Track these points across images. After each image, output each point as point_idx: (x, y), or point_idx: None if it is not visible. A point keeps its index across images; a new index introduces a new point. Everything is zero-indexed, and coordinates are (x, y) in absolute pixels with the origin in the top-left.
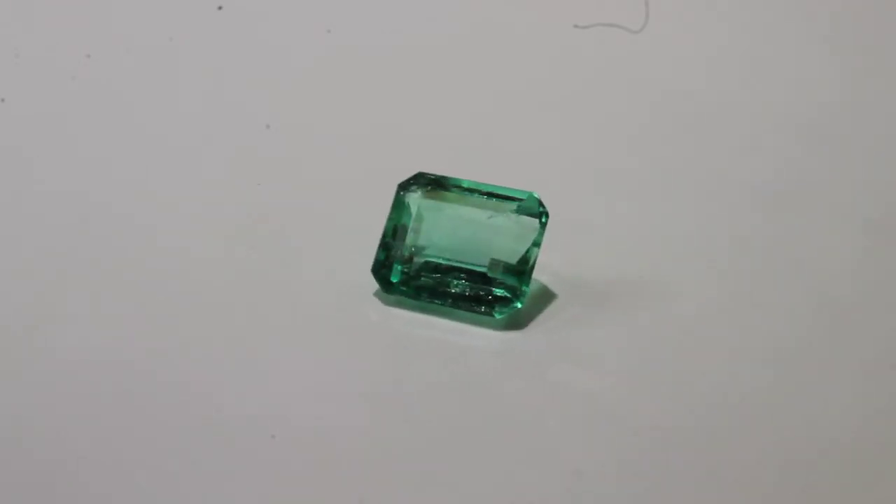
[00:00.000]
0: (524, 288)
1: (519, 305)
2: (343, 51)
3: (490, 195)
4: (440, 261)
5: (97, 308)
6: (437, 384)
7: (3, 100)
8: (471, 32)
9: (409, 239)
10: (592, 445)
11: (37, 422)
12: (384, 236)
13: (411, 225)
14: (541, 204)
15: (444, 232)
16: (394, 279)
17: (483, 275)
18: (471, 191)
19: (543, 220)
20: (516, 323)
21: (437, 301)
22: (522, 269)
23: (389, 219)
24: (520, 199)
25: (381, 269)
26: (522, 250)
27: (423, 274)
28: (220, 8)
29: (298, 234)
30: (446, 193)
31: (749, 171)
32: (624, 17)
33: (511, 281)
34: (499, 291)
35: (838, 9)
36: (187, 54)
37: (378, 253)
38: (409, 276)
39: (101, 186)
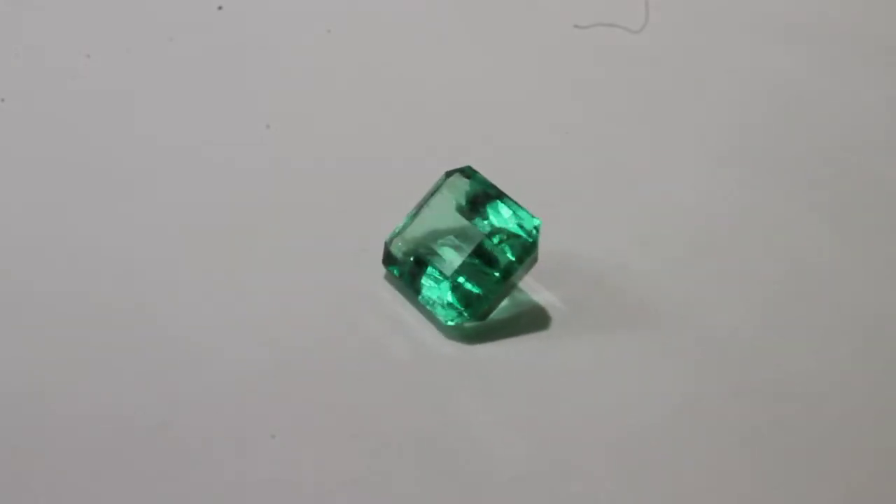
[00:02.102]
0: (470, 308)
1: (453, 322)
2: (343, 51)
3: (507, 207)
4: (425, 251)
5: (96, 309)
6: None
7: (2, 100)
8: (470, 32)
9: (416, 222)
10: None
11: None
12: (410, 214)
13: (424, 211)
14: (536, 231)
15: (442, 228)
16: (393, 255)
17: (447, 279)
18: (490, 198)
19: (527, 256)
20: (478, 336)
21: (412, 289)
22: (474, 286)
23: (422, 199)
24: (521, 221)
25: (388, 242)
26: (495, 271)
27: (413, 258)
28: (220, 8)
29: (299, 233)
30: (472, 193)
31: (758, 176)
32: (624, 17)
33: (466, 295)
34: (455, 301)
35: (837, 8)
36: (187, 54)
37: (397, 227)
38: (403, 257)
39: (101, 186)
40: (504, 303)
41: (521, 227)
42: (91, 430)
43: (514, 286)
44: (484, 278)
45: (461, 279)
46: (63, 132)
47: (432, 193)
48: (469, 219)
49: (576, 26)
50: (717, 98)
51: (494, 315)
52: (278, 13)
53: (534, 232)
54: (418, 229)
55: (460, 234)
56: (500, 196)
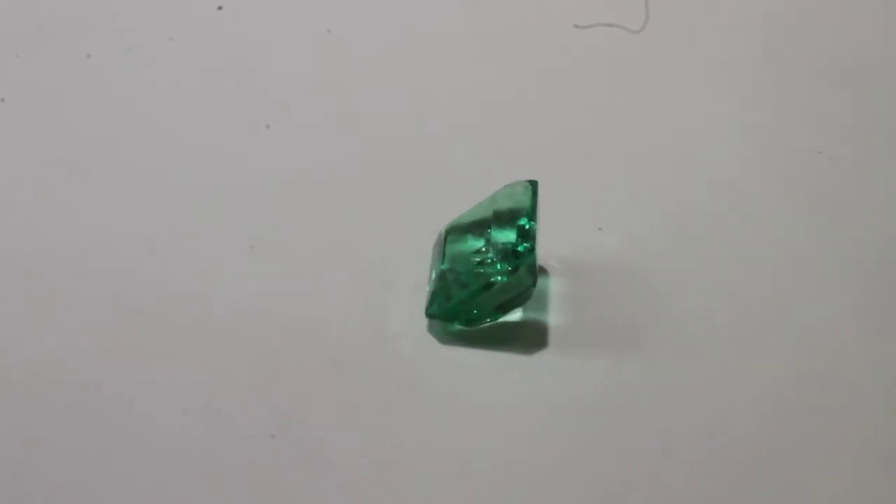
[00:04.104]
0: (442, 308)
1: (427, 314)
2: (343, 51)
3: (522, 228)
4: (446, 243)
5: (103, 327)
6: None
7: (2, 100)
8: (470, 32)
9: (464, 215)
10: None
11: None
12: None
13: (475, 207)
14: (521, 257)
15: (475, 225)
16: (437, 240)
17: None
18: (519, 216)
19: (498, 278)
20: (458, 339)
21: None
22: (452, 290)
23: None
24: (517, 246)
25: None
26: (475, 283)
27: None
28: (220, 8)
29: (304, 233)
30: (514, 204)
31: (758, 177)
32: (624, 17)
33: (444, 296)
34: (434, 297)
35: (836, 6)
36: (187, 54)
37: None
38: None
39: (101, 186)
40: (514, 316)
41: (514, 250)
42: (92, 432)
43: (500, 303)
44: (466, 285)
45: (446, 279)
46: (63, 132)
47: (494, 193)
48: (491, 226)
49: (576, 26)
50: (717, 98)
51: (496, 325)
52: (278, 13)
53: (518, 257)
54: (464, 220)
55: (479, 238)
56: (529, 216)
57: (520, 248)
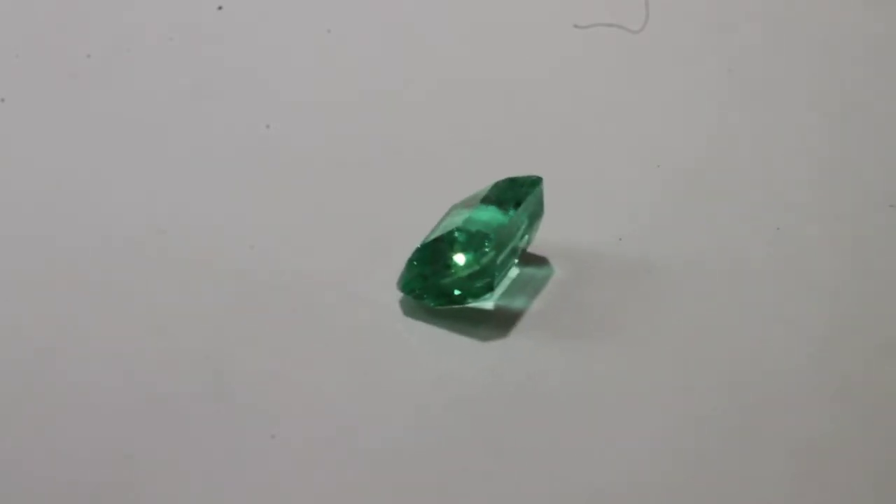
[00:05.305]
0: (409, 282)
1: (398, 286)
2: (343, 51)
3: (503, 215)
4: (444, 220)
5: (107, 321)
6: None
7: (2, 100)
8: (470, 32)
9: (471, 194)
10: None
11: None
12: None
13: (480, 191)
14: (475, 241)
15: (461, 205)
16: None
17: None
18: (508, 202)
19: (457, 259)
20: (427, 316)
21: None
22: (422, 266)
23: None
24: (480, 230)
25: None
26: (442, 261)
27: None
28: (220, 8)
29: (304, 233)
30: (499, 192)
31: (758, 177)
32: (624, 17)
33: (416, 269)
34: (407, 268)
35: (837, 6)
36: (187, 54)
37: None
38: None
39: (101, 187)
40: (496, 301)
41: (483, 234)
42: (95, 429)
43: (465, 285)
44: (438, 261)
45: (423, 252)
46: (63, 132)
47: (497, 181)
48: (473, 209)
49: (576, 26)
50: (717, 98)
51: (471, 307)
52: (278, 13)
53: (484, 243)
54: (466, 200)
55: (461, 217)
56: (514, 207)
57: (490, 234)
